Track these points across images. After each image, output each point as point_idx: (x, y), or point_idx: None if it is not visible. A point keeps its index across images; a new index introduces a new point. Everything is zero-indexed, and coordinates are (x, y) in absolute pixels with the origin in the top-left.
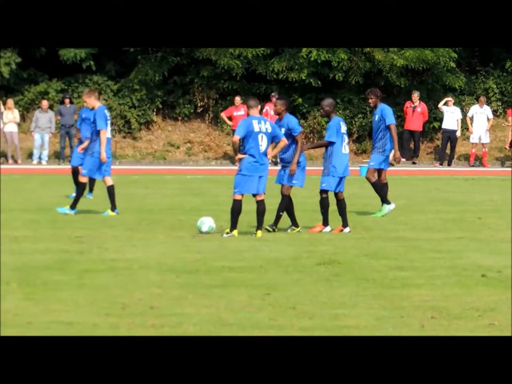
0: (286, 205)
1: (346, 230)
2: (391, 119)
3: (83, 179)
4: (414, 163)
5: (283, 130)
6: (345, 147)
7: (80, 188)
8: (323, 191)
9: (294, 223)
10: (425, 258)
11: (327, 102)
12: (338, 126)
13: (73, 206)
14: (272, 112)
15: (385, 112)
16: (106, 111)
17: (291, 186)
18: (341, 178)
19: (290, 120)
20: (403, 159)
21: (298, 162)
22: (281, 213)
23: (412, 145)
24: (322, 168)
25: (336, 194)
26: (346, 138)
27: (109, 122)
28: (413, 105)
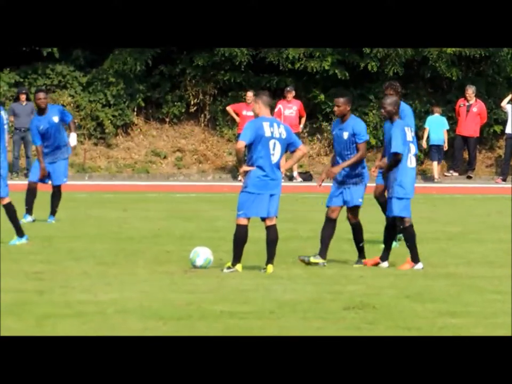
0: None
1: (419, 266)
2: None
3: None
4: (469, 177)
5: (345, 135)
6: (411, 159)
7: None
8: (401, 219)
9: (362, 255)
10: (484, 301)
11: (391, 101)
12: (403, 132)
13: (19, 233)
14: (286, 112)
15: (359, 127)
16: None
17: (358, 208)
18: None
19: (357, 123)
20: (455, 174)
21: (360, 176)
22: (361, 244)
23: (466, 155)
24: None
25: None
26: (412, 148)
27: (5, 127)
28: (467, 104)
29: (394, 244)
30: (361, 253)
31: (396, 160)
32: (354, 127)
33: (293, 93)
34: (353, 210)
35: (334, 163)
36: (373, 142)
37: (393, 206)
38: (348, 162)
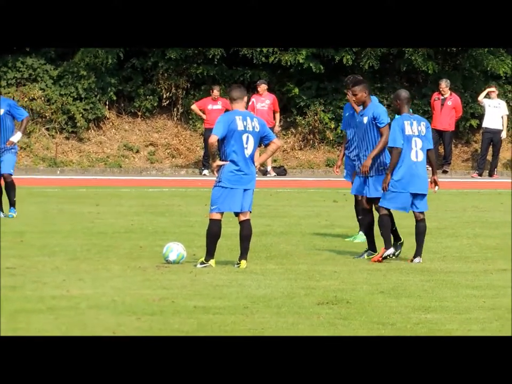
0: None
1: (390, 251)
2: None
3: None
4: (444, 172)
5: (365, 120)
6: (417, 154)
7: None
8: (379, 207)
9: (372, 247)
10: (459, 297)
11: (396, 95)
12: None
13: None
14: (258, 106)
15: (379, 110)
16: None
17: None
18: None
19: (377, 107)
20: (430, 168)
21: (384, 166)
22: (394, 228)
23: (441, 150)
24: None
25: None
26: (418, 142)
27: None
28: (442, 98)
29: (363, 238)
30: (396, 237)
31: (396, 154)
32: (375, 112)
33: (264, 86)
34: (377, 200)
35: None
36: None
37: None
38: (376, 150)
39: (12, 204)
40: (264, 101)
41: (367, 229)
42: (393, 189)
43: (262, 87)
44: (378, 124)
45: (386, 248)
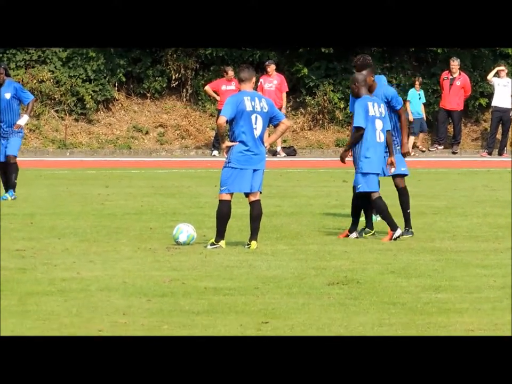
0: (407, 200)
1: (398, 232)
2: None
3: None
4: (454, 153)
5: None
6: (379, 135)
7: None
8: (368, 194)
9: (370, 225)
10: (469, 276)
11: (353, 78)
12: (366, 107)
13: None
14: (266, 86)
15: (391, 92)
16: None
17: (403, 176)
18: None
19: (387, 89)
20: (440, 147)
21: (397, 144)
22: (408, 210)
23: (450, 129)
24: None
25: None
26: (379, 123)
27: None
28: (451, 77)
29: (374, 217)
30: (407, 222)
31: (357, 135)
32: (387, 94)
33: (272, 66)
34: (399, 177)
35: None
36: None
37: (358, 181)
38: (404, 133)
39: (12, 186)
40: (272, 81)
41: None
42: (366, 170)
43: (272, 68)
44: (394, 106)
45: (393, 230)
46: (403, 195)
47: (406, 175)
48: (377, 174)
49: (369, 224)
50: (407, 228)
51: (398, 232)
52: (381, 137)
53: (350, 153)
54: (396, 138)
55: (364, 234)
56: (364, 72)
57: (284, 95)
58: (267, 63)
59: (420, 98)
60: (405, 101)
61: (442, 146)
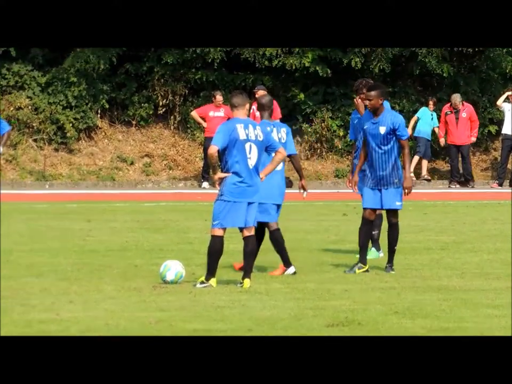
0: (396, 236)
1: (291, 270)
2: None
3: None
4: (472, 187)
5: (382, 130)
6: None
7: None
8: (266, 224)
9: (363, 260)
10: (479, 317)
11: (259, 102)
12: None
13: None
14: (258, 113)
15: (399, 120)
16: None
17: (397, 211)
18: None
19: (396, 116)
20: (458, 185)
21: (398, 177)
22: (395, 247)
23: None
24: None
25: (267, 224)
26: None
27: None
28: (454, 111)
29: (376, 253)
30: (390, 258)
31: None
32: (395, 122)
33: (262, 92)
34: (393, 212)
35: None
36: None
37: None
38: (407, 166)
39: None
40: None
41: (365, 240)
42: (267, 201)
43: (260, 93)
44: (400, 135)
45: (286, 266)
46: (394, 230)
47: (398, 209)
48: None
49: (363, 258)
50: (389, 265)
51: (291, 269)
52: (279, 165)
53: (349, 182)
54: (396, 171)
55: (356, 270)
56: (373, 92)
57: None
58: (256, 88)
59: (431, 119)
60: (412, 116)
61: (458, 185)
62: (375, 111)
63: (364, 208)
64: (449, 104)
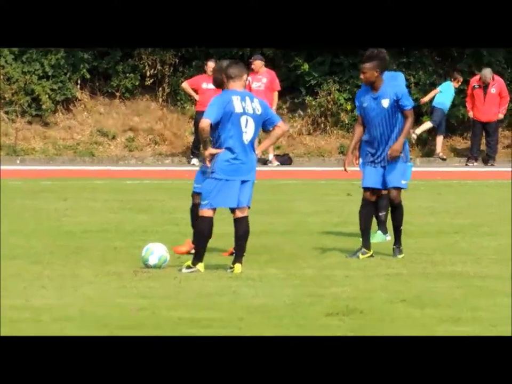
0: (401, 216)
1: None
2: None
3: None
4: (492, 165)
5: (386, 103)
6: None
7: None
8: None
9: (367, 244)
10: (495, 306)
11: (220, 66)
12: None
13: None
14: (254, 85)
15: (402, 90)
16: None
17: (400, 190)
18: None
19: (397, 86)
20: (476, 163)
21: (402, 151)
22: (401, 227)
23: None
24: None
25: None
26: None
27: None
28: (483, 85)
29: (383, 237)
30: (397, 239)
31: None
32: (397, 92)
33: (259, 62)
34: (396, 190)
35: (361, 145)
36: None
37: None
38: (404, 134)
39: None
40: (261, 79)
41: (366, 223)
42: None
43: (257, 64)
44: (404, 107)
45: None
46: (398, 210)
47: (403, 188)
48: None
49: (366, 243)
50: (397, 246)
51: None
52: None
53: (356, 159)
54: (404, 145)
55: (359, 255)
56: (367, 64)
57: (276, 94)
58: (252, 58)
59: (453, 94)
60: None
61: (476, 162)
62: (372, 85)
63: (364, 188)
64: (478, 77)
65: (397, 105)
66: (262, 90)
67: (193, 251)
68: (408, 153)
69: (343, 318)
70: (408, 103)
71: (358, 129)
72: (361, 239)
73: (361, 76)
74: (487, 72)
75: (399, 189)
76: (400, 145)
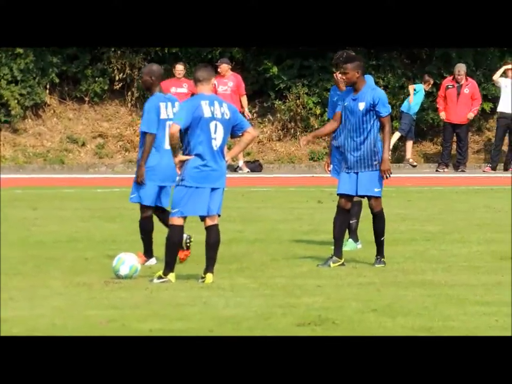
0: (383, 226)
1: (152, 261)
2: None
3: None
4: (462, 171)
5: (361, 106)
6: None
7: None
8: (141, 207)
9: (338, 253)
10: (466, 315)
11: (149, 69)
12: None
13: None
14: (220, 89)
15: (380, 95)
16: None
17: (378, 198)
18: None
19: (376, 91)
20: (446, 169)
21: (375, 158)
22: (382, 238)
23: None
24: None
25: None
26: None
27: None
28: (457, 85)
29: (354, 245)
30: (379, 250)
31: (150, 141)
32: (375, 97)
33: (225, 66)
34: (373, 200)
35: (333, 151)
36: None
37: (133, 191)
38: (386, 146)
39: None
40: (227, 83)
41: (340, 231)
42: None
43: (223, 68)
44: (379, 112)
45: (148, 257)
46: (379, 220)
47: (378, 197)
48: (162, 186)
49: (338, 251)
50: (378, 257)
51: (153, 261)
52: (167, 144)
53: (328, 166)
54: (376, 152)
55: (330, 264)
56: (349, 65)
57: (245, 98)
58: (219, 62)
59: (423, 98)
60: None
61: (447, 168)
62: (353, 86)
63: (339, 195)
64: (451, 78)
65: (373, 111)
66: (228, 94)
67: (149, 263)
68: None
69: (315, 328)
70: (384, 110)
71: (332, 123)
72: (333, 247)
73: (343, 77)
74: (461, 67)
75: (375, 197)
76: (387, 163)
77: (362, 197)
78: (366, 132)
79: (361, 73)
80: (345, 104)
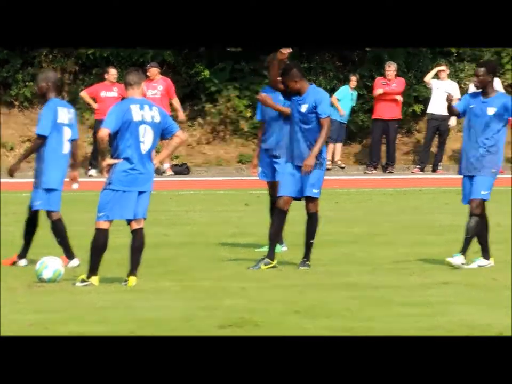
0: (315, 229)
1: (74, 262)
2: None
3: None
4: (390, 172)
5: (304, 108)
6: (65, 145)
7: None
8: (48, 213)
9: (272, 255)
10: (390, 316)
11: (45, 75)
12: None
13: None
14: (149, 93)
15: (320, 96)
16: None
17: (315, 200)
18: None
19: (318, 93)
20: (375, 170)
21: (318, 159)
22: (312, 240)
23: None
24: None
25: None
26: (68, 132)
27: None
28: (387, 82)
29: (279, 247)
30: (307, 252)
31: (38, 143)
32: (317, 99)
33: (154, 70)
34: (311, 200)
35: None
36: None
37: (37, 198)
38: (319, 143)
39: None
40: (156, 87)
41: (276, 232)
42: (50, 186)
43: (152, 72)
44: (319, 113)
45: (69, 258)
46: (313, 222)
47: (316, 198)
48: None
49: (271, 253)
50: (304, 260)
51: (75, 262)
52: (65, 148)
53: (255, 170)
54: (319, 153)
55: (261, 266)
56: (286, 77)
57: (177, 100)
58: (148, 66)
59: (351, 99)
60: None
61: (374, 170)
62: (298, 92)
63: (279, 196)
64: (383, 77)
65: (314, 112)
66: (158, 97)
67: (20, 263)
68: (325, 160)
69: (236, 330)
70: (324, 112)
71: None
72: (258, 249)
73: (288, 83)
74: (392, 63)
75: (312, 198)
76: (312, 159)
77: (300, 199)
78: (309, 132)
79: (301, 77)
80: (292, 106)
